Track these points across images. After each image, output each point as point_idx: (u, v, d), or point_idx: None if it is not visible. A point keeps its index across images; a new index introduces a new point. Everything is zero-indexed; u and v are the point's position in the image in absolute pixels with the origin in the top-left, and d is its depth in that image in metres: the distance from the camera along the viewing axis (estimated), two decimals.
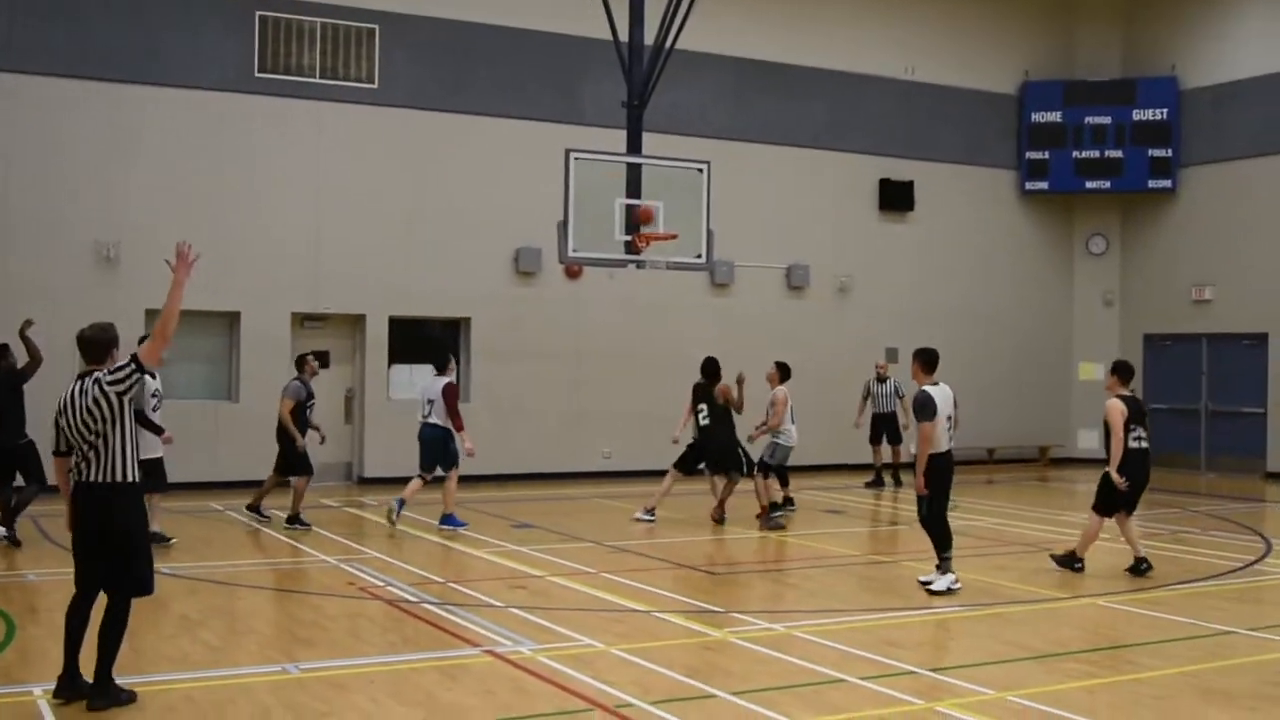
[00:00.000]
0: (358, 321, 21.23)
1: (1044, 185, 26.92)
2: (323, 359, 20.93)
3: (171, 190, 19.57)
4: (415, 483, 16.11)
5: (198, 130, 19.85)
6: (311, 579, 12.50)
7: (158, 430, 13.49)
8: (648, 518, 16.87)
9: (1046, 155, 26.78)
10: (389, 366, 21.33)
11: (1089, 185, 26.62)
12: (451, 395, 15.85)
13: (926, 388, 11.99)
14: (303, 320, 20.89)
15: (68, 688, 7.90)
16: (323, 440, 16.43)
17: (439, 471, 16.02)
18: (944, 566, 12.00)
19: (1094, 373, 27.32)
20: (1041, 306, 27.33)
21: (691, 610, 11.05)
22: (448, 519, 15.81)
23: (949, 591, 11.86)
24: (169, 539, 13.90)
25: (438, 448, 15.96)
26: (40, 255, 18.85)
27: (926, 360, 12.18)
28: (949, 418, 12.05)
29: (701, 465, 17.21)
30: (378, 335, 21.17)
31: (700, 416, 16.83)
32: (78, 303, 18.64)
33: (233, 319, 20.30)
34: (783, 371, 17.17)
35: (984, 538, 15.73)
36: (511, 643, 9.59)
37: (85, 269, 19.11)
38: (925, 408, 11.83)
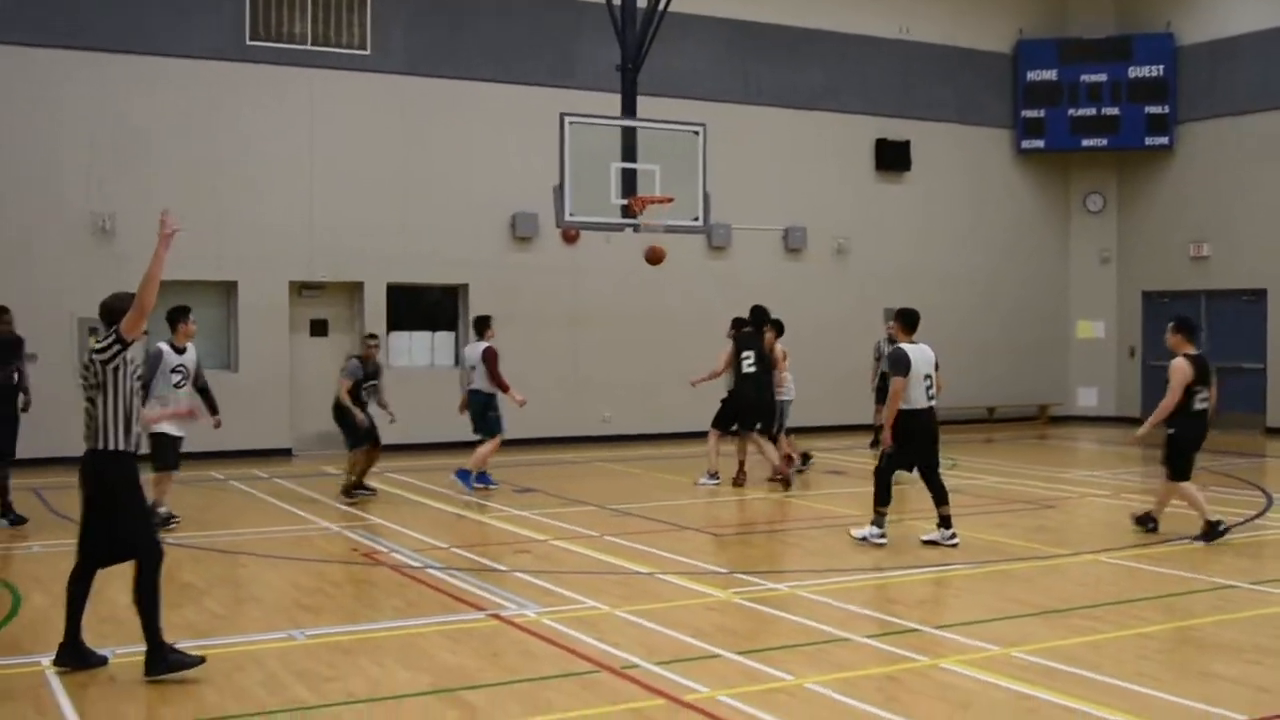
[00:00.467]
0: (355, 289, 21.20)
1: (1040, 144, 26.85)
2: (320, 329, 21.06)
3: (166, 160, 19.50)
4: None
5: (190, 99, 19.77)
6: (315, 546, 12.51)
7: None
8: (711, 481, 16.85)
9: (1042, 114, 26.70)
10: (387, 334, 21.29)
11: (1085, 143, 26.56)
12: (491, 359, 15.90)
13: (904, 345, 12.27)
14: (300, 289, 20.86)
15: (70, 656, 7.94)
16: (392, 420, 15.98)
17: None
18: (877, 521, 12.22)
19: (1091, 330, 27.37)
20: (1039, 265, 27.31)
21: (695, 572, 11.08)
22: (463, 474, 15.96)
23: (866, 540, 12.18)
24: (174, 518, 13.44)
25: (477, 413, 16.04)
26: (37, 228, 18.81)
27: (907, 320, 12.52)
28: (927, 376, 12.23)
29: (734, 428, 17.00)
30: (376, 303, 21.13)
31: (745, 364, 16.57)
32: (75, 274, 18.68)
33: (230, 289, 20.27)
34: (776, 327, 17.13)
35: (985, 496, 15.77)
36: (516, 606, 9.62)
37: (82, 240, 19.07)
38: (899, 363, 12.13)
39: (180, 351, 13.09)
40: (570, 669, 7.93)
